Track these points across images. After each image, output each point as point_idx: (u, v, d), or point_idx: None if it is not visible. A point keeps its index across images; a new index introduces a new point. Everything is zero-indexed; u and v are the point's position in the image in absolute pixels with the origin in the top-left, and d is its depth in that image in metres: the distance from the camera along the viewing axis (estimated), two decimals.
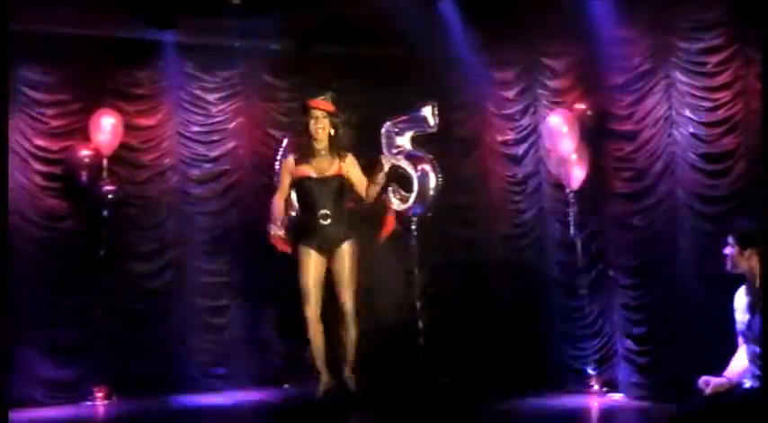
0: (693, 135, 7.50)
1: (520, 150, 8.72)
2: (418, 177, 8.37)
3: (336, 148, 7.26)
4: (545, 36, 8.47)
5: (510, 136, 8.80)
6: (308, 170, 7.20)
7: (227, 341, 9.01)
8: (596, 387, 8.06)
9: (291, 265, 7.32)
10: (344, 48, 9.06)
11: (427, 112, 8.39)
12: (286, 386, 8.83)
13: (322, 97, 7.28)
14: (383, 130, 8.47)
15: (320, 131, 7.20)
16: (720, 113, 7.33)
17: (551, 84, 8.45)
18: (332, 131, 7.24)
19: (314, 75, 9.00)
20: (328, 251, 7.21)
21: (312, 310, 7.19)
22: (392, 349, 8.35)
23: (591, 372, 8.12)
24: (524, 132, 8.67)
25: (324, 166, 7.21)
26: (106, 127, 8.45)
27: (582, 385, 8.15)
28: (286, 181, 7.30)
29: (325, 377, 7.28)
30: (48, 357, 8.27)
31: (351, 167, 7.28)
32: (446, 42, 8.69)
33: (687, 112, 7.53)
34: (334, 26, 8.72)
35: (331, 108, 7.24)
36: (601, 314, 8.18)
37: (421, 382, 8.24)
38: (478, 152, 9.05)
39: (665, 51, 7.64)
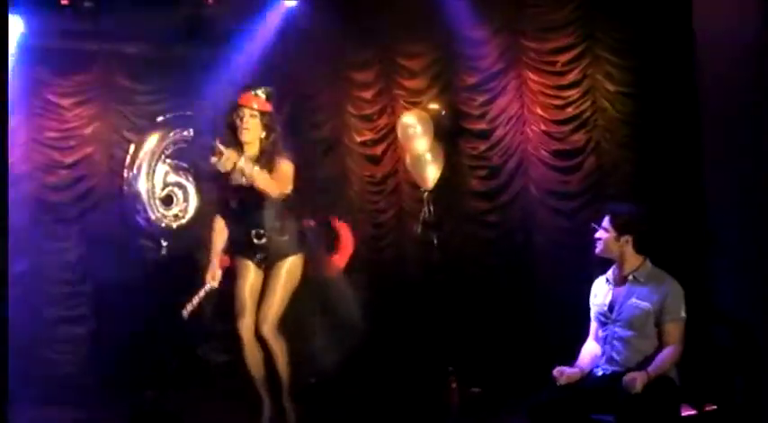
0: (545, 132, 7.73)
1: (378, 150, 8.82)
2: None
3: (269, 153, 6.10)
4: (401, 37, 8.58)
5: (368, 136, 8.89)
6: (239, 178, 6.02)
7: (90, 350, 8.81)
8: None
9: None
10: (202, 50, 9.00)
11: None
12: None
13: (253, 92, 6.12)
14: None
15: (246, 133, 6.06)
16: (570, 111, 7.57)
17: (408, 84, 8.58)
18: (262, 134, 6.12)
19: (172, 77, 8.96)
20: (266, 265, 6.26)
21: (246, 324, 6.18)
22: None
23: None
24: (382, 132, 8.77)
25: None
26: None
27: None
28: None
29: (267, 403, 6.31)
30: None
31: (284, 175, 6.10)
32: (304, 44, 8.71)
33: (538, 110, 7.74)
34: (191, 27, 8.66)
35: (264, 107, 6.11)
36: None
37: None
38: (338, 153, 9.10)
39: (517, 51, 7.84)
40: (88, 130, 8.95)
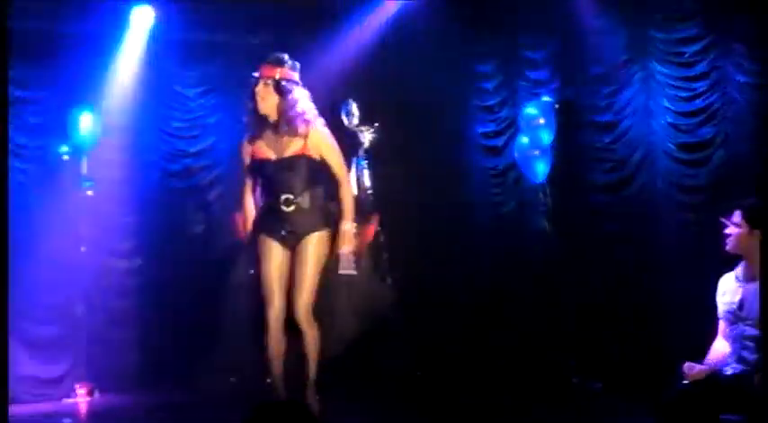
0: (671, 125, 7.59)
1: (500, 142, 8.75)
2: None
3: (289, 118, 5.87)
4: (525, 28, 8.51)
5: (490, 128, 8.83)
6: (265, 151, 5.94)
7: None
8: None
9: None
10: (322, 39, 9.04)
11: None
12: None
13: (267, 61, 5.92)
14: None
15: (261, 103, 5.87)
16: (698, 103, 7.41)
17: (531, 75, 8.50)
18: (276, 100, 5.86)
19: None
20: (292, 244, 5.98)
21: (275, 312, 5.94)
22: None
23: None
24: (504, 124, 8.71)
25: (283, 144, 5.91)
26: (84, 124, 8.38)
27: None
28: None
29: (281, 394, 5.94)
30: (29, 354, 8.18)
31: (320, 142, 5.96)
32: (423, 35, 8.70)
33: (665, 103, 7.61)
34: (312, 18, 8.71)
35: (273, 73, 5.87)
36: None
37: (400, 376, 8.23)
38: (460, 144, 9.05)
39: (643, 42, 7.71)
40: (212, 120, 9.09)
